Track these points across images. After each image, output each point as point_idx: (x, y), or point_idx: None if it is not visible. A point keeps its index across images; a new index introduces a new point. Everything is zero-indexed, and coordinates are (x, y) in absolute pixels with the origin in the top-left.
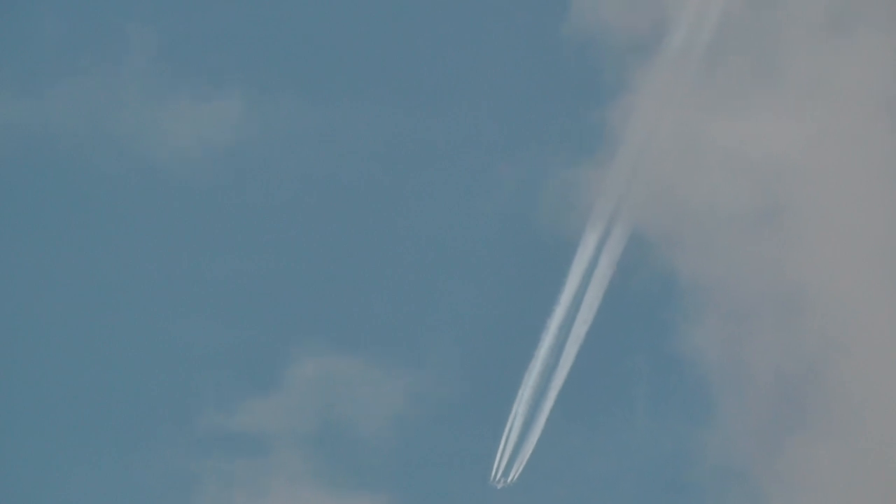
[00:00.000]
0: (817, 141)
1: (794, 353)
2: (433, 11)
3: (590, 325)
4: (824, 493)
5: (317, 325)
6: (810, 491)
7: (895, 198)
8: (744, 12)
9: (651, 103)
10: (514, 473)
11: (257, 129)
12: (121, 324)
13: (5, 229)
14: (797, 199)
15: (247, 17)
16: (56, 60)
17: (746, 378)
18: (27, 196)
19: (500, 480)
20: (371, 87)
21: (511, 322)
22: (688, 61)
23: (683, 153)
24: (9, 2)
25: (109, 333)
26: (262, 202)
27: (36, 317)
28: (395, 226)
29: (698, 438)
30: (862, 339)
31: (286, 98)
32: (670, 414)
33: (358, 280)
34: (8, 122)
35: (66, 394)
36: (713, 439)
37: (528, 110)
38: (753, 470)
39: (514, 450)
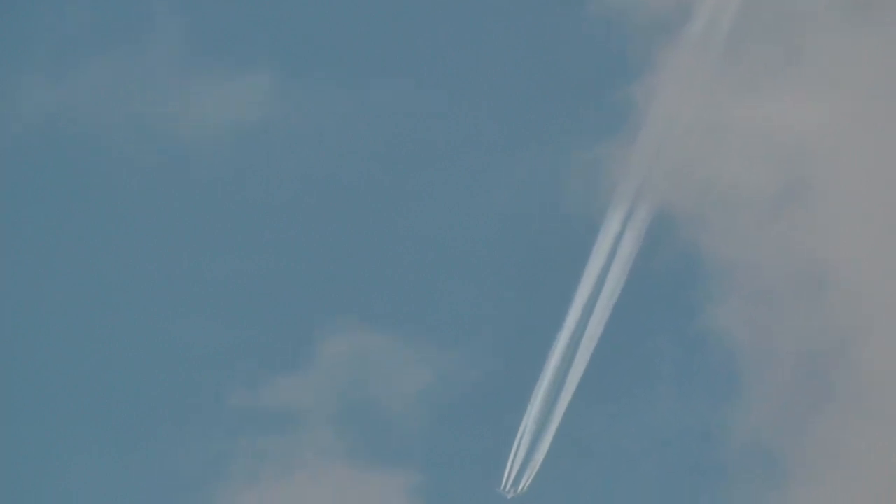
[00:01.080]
0: (842, 121)
1: (820, 331)
2: None
3: (614, 305)
4: (851, 471)
5: (347, 302)
6: (837, 469)
7: None
8: None
9: (676, 82)
10: (536, 459)
11: (286, 108)
12: (152, 304)
13: (34, 213)
14: (822, 179)
15: None
16: (83, 42)
17: (772, 357)
18: (55, 180)
19: (519, 466)
20: (400, 66)
21: (536, 301)
22: (713, 40)
23: (708, 132)
24: None
25: (140, 314)
26: (293, 180)
27: (66, 297)
28: (422, 205)
29: (724, 417)
30: (888, 317)
31: (315, 77)
32: (695, 393)
33: (389, 258)
34: (35, 105)
35: (96, 375)
36: (739, 418)
37: (552, 89)
38: (780, 449)
39: (535, 432)
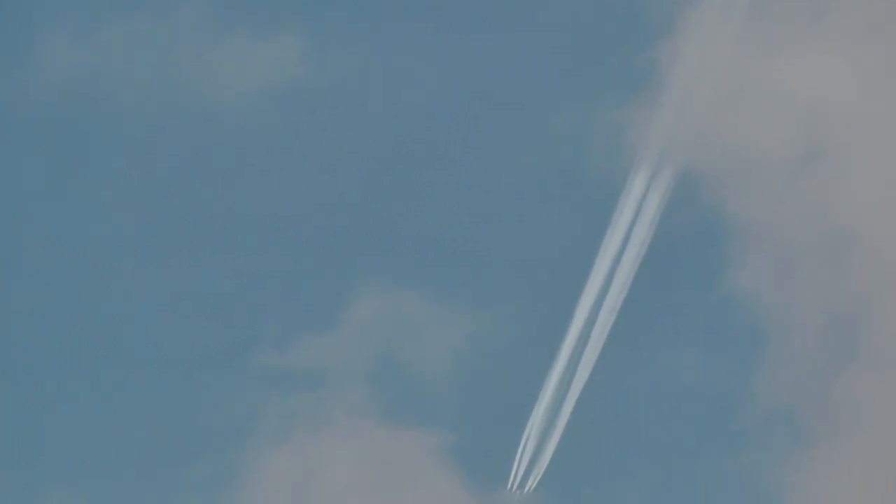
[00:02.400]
0: (866, 82)
1: (844, 291)
2: None
3: (637, 267)
4: (875, 430)
5: (378, 262)
6: (861, 428)
7: None
8: None
9: (699, 43)
10: (560, 419)
11: (316, 70)
12: (179, 261)
13: (60, 173)
14: (846, 140)
15: None
16: (110, 2)
17: (796, 318)
18: (81, 141)
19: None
20: (432, 21)
21: (561, 263)
22: (737, 1)
23: (731, 94)
24: None
25: (169, 270)
26: (324, 141)
27: (91, 253)
28: (450, 168)
29: (748, 379)
30: None
31: (347, 39)
32: (719, 354)
33: (420, 217)
34: (61, 66)
35: (123, 328)
36: (763, 380)
37: (574, 50)
38: (804, 409)
39: (558, 392)
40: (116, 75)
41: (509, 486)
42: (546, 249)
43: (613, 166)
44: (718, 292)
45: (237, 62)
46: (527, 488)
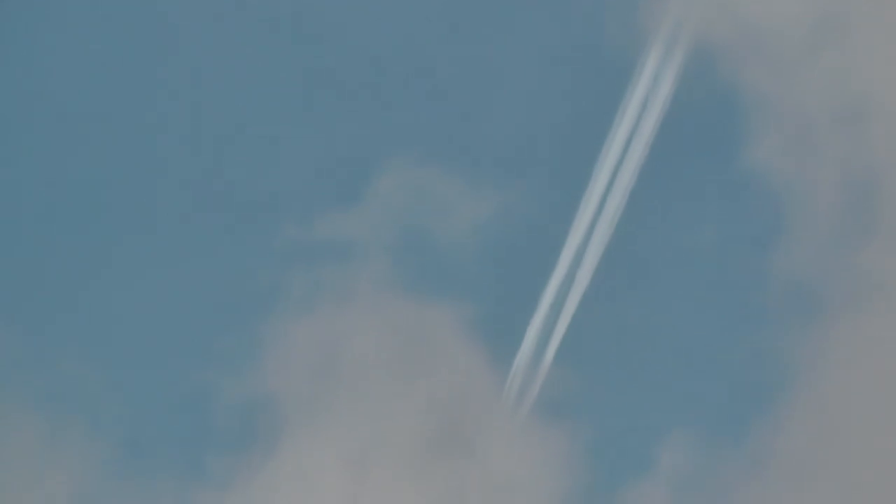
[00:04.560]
0: None
1: (862, 164)
2: None
3: (651, 143)
4: (894, 301)
5: (403, 136)
6: (881, 300)
7: None
8: None
9: None
10: (570, 298)
11: None
12: (209, 129)
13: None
14: (862, 10)
15: None
16: None
17: (814, 192)
18: None
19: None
20: None
21: (578, 139)
22: None
23: None
24: None
25: (198, 138)
26: (351, 16)
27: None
28: (471, 43)
29: (766, 253)
30: None
31: None
32: (736, 230)
33: (443, 93)
34: None
35: (148, 198)
36: (781, 254)
37: None
38: (823, 284)
39: (569, 271)
40: None
41: (523, 362)
42: (561, 126)
43: (628, 41)
44: (735, 168)
45: None
46: (544, 361)
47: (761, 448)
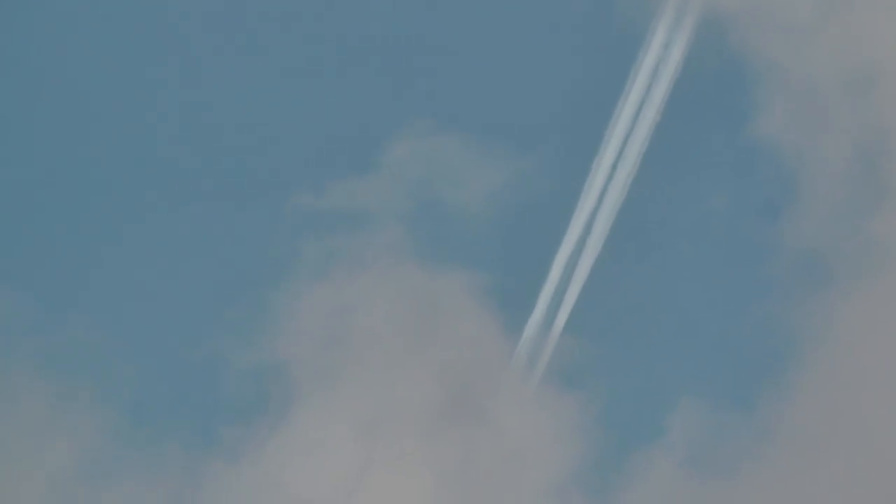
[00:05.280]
0: None
1: (871, 130)
2: None
3: (663, 110)
4: None
5: (417, 103)
6: (892, 270)
7: None
8: None
9: None
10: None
11: None
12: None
13: None
14: None
15: None
16: None
17: (823, 158)
18: None
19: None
20: None
21: (586, 108)
22: None
23: None
24: None
25: (208, 101)
26: None
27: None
28: (482, 15)
29: (776, 222)
30: None
31: None
32: (746, 198)
33: (457, 64)
34: None
35: (156, 168)
36: (791, 222)
37: None
38: (832, 250)
39: (584, 228)
40: None
41: (534, 331)
42: (572, 96)
43: (638, 10)
44: (745, 135)
45: None
46: (554, 328)
47: (770, 416)
